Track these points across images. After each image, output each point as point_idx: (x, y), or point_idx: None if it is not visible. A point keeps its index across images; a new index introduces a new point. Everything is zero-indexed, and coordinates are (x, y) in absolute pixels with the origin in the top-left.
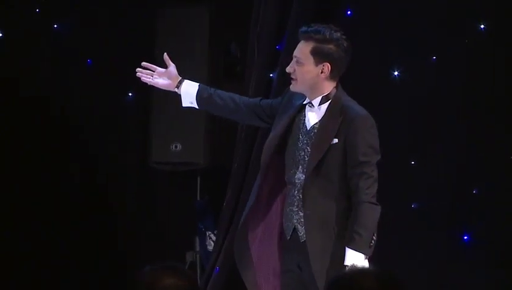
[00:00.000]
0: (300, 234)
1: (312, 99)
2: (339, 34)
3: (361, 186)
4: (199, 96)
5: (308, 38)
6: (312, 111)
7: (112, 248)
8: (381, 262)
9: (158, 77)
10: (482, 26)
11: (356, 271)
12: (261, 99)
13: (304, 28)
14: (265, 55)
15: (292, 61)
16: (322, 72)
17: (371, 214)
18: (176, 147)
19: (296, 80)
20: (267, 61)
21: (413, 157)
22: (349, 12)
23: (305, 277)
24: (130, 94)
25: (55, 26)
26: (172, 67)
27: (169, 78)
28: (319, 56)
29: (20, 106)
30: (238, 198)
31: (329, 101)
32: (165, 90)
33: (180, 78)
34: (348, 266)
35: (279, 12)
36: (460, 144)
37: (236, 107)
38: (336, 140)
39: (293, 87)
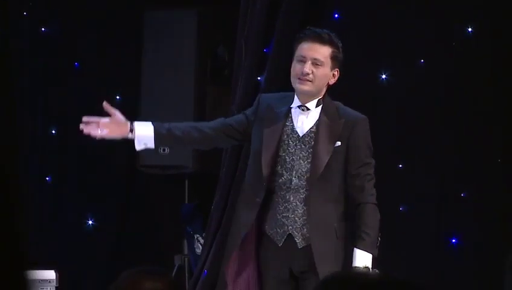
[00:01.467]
0: (298, 241)
1: (306, 103)
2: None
3: (367, 188)
4: (157, 135)
5: (326, 42)
6: (303, 114)
7: (99, 251)
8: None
9: (105, 127)
10: (470, 29)
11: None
12: (225, 119)
13: (318, 30)
14: (253, 58)
15: (308, 63)
16: (333, 77)
17: (376, 215)
18: (163, 150)
19: (312, 81)
20: (254, 65)
21: (401, 160)
22: (336, 15)
23: (305, 281)
24: (117, 97)
25: (43, 29)
26: (117, 113)
27: (118, 125)
28: (334, 61)
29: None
30: (227, 201)
31: (321, 105)
32: (152, 93)
33: (129, 122)
34: (361, 267)
35: (266, 15)
36: (448, 147)
37: (202, 135)
38: (338, 143)
39: (304, 88)
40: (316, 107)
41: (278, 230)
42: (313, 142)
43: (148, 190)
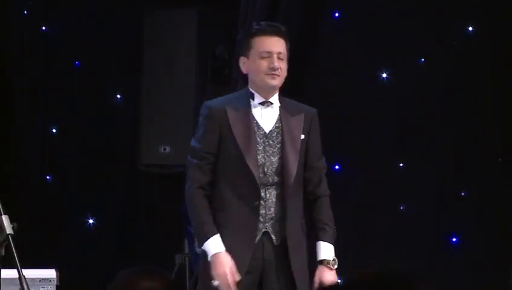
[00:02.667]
0: (274, 237)
1: (271, 96)
2: None
3: (324, 180)
4: None
5: (283, 36)
6: (267, 110)
7: (100, 250)
8: (369, 264)
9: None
10: (470, 28)
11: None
12: (203, 162)
13: (275, 24)
14: None
15: (275, 57)
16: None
17: (330, 207)
18: (164, 149)
19: (279, 76)
20: None
21: (401, 159)
22: (336, 14)
23: (273, 283)
24: (118, 96)
25: (44, 28)
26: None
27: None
28: (288, 54)
29: (8, 107)
30: None
31: (278, 99)
32: (153, 92)
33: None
34: (330, 260)
35: (266, 14)
36: (448, 146)
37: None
38: (302, 136)
39: (275, 83)
40: (277, 99)
41: (252, 228)
42: (280, 138)
43: (148, 189)
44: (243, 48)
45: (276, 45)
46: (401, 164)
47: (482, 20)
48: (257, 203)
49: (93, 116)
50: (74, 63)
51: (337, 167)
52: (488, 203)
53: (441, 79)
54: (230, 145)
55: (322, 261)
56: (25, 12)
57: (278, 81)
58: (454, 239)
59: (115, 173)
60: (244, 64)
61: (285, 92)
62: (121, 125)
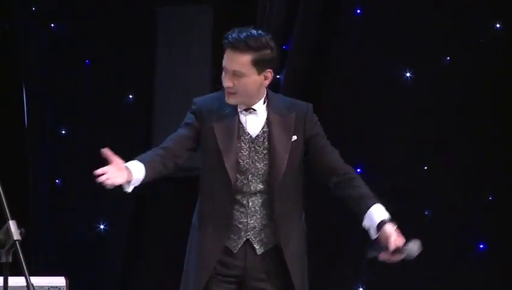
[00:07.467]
0: (257, 247)
1: (252, 105)
2: (268, 36)
3: (343, 162)
4: (145, 178)
5: (244, 50)
6: (251, 115)
7: (110, 256)
8: (393, 270)
9: (114, 173)
10: (498, 25)
11: None
12: (177, 134)
13: (234, 36)
14: None
15: (228, 75)
16: (266, 79)
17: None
18: None
19: (235, 93)
20: None
21: (426, 162)
22: (358, 11)
23: (269, 283)
24: (130, 96)
25: (53, 26)
26: (118, 158)
27: (121, 169)
28: (261, 65)
29: (16, 107)
30: None
31: (266, 103)
32: (166, 92)
33: (124, 164)
34: (386, 219)
35: (286, 11)
36: (475, 149)
37: (175, 166)
38: (295, 137)
39: (231, 101)
40: (263, 105)
41: (233, 236)
42: (266, 143)
43: (159, 193)
44: None
45: (232, 62)
46: (425, 167)
47: (510, 16)
48: (229, 208)
49: (104, 116)
50: (84, 62)
51: (359, 170)
52: None
53: (467, 78)
54: (211, 145)
55: (384, 221)
56: (34, 9)
57: (233, 100)
58: (481, 245)
59: None
60: None
61: (306, 92)
62: (132, 125)
